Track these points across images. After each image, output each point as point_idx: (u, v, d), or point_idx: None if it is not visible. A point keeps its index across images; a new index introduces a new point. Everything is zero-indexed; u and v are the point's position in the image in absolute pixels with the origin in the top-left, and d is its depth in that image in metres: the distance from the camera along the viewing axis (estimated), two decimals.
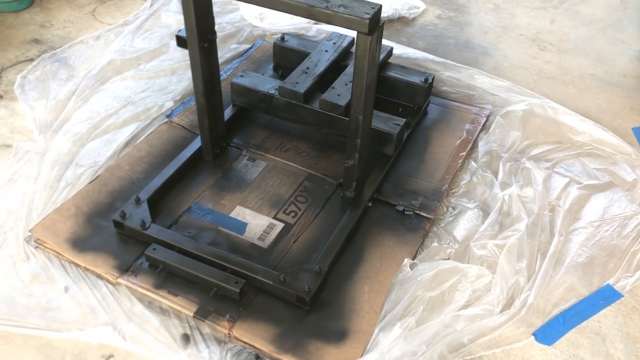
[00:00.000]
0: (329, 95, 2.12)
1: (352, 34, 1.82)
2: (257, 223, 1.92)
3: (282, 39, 2.51)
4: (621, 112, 2.52)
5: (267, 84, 2.22)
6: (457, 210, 2.01)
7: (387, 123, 2.09)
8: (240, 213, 1.95)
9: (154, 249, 1.76)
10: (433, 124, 2.37)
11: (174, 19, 2.85)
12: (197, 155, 2.10)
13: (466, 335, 1.65)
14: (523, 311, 1.70)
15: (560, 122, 2.38)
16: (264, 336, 1.62)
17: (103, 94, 2.41)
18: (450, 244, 1.86)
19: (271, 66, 2.58)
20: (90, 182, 2.02)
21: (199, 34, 1.82)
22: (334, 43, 2.41)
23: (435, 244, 1.86)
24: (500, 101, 2.47)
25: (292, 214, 1.96)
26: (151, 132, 2.23)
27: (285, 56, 2.51)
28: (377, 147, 2.11)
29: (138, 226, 1.82)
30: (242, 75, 2.27)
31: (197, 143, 2.12)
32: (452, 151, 2.23)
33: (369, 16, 1.55)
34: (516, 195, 2.03)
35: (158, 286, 1.72)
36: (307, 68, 2.26)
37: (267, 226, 1.92)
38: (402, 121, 2.11)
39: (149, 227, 1.82)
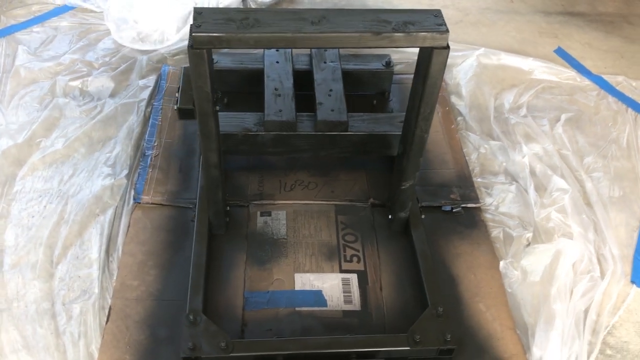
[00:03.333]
0: (324, 114, 1.86)
1: None
2: (329, 285, 1.66)
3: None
4: (535, 39, 2.64)
5: (241, 122, 1.87)
6: (492, 189, 1.95)
7: (392, 123, 1.91)
8: (304, 281, 1.67)
9: None
10: (401, 104, 2.24)
11: (40, 70, 2.23)
12: (209, 234, 1.72)
13: (593, 312, 1.64)
14: (618, 266, 1.75)
15: (506, 66, 2.41)
16: None
17: (23, 198, 1.83)
18: (529, 228, 1.81)
19: None
20: (107, 323, 1.54)
21: (213, 99, 1.44)
22: (277, 50, 2.10)
23: (515, 233, 1.79)
24: None
25: (355, 258, 1.73)
26: (128, 227, 1.76)
27: (223, 79, 2.12)
28: (383, 151, 1.94)
29: (220, 352, 1.45)
30: None
31: (202, 219, 1.72)
32: (441, 128, 2.14)
33: (445, 28, 1.34)
34: (531, 154, 2.03)
35: None
36: (276, 89, 1.94)
37: (343, 284, 1.67)
38: (401, 116, 1.94)
39: (233, 347, 1.46)
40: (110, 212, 1.81)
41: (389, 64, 2.17)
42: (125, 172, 1.91)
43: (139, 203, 1.82)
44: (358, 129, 1.88)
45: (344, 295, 1.64)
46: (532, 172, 1.98)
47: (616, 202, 1.96)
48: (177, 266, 1.68)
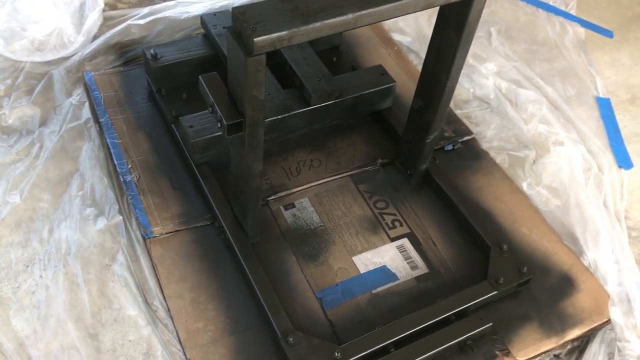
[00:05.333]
0: (314, 86, 1.76)
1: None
2: (390, 258, 1.63)
3: (155, 56, 1.84)
4: None
5: None
6: (475, 117, 2.00)
7: (375, 79, 1.86)
8: (365, 262, 1.61)
9: None
10: (356, 56, 2.16)
11: None
12: (250, 246, 1.57)
13: (609, 203, 1.81)
14: (608, 156, 1.92)
15: None
16: (540, 337, 1.51)
17: (7, 276, 1.50)
18: (530, 146, 1.90)
19: (144, 97, 1.91)
20: None
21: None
22: (215, 26, 1.89)
23: (520, 154, 1.87)
24: None
25: (397, 223, 1.70)
26: (155, 267, 1.54)
27: (172, 74, 1.86)
28: (373, 109, 1.89)
29: None
30: (191, 126, 1.67)
31: (237, 233, 1.56)
32: (401, 70, 2.12)
33: None
34: (492, 74, 2.11)
35: None
36: None
37: (400, 252, 1.64)
38: (380, 69, 1.90)
39: (346, 353, 1.38)
40: (121, 258, 1.56)
41: None
42: (115, 206, 1.64)
43: (152, 237, 1.59)
44: (348, 93, 1.80)
45: (407, 263, 1.62)
46: (500, 91, 2.07)
47: (574, 99, 2.12)
48: (231, 291, 1.52)
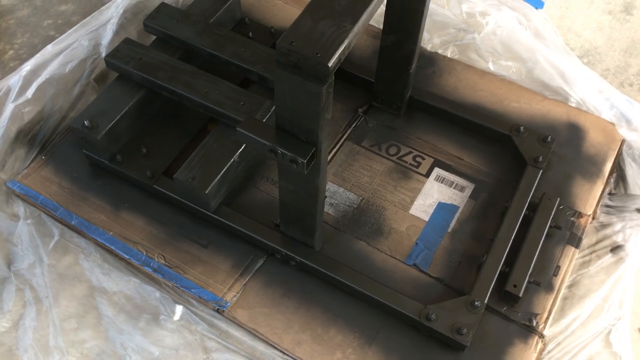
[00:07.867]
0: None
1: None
2: (437, 192, 1.64)
3: (92, 126, 1.55)
4: None
5: (220, 150, 1.52)
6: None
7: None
8: (422, 209, 1.61)
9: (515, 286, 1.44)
10: (261, 19, 2.00)
11: None
12: (324, 257, 1.49)
13: (551, 41, 1.94)
14: (521, 2, 2.03)
15: None
16: (590, 186, 1.64)
17: None
18: (469, 29, 1.93)
19: (91, 175, 1.64)
20: None
21: None
22: (127, 62, 1.63)
23: (463, 40, 1.91)
24: None
25: (418, 158, 1.70)
26: (257, 330, 1.41)
27: (120, 136, 1.60)
28: None
29: (479, 309, 1.40)
30: (193, 178, 1.48)
31: (309, 253, 1.47)
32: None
33: None
34: None
35: None
36: (206, 91, 1.58)
37: (441, 182, 1.65)
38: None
39: (481, 302, 1.41)
40: (212, 345, 1.41)
41: None
42: (166, 299, 1.45)
43: (229, 306, 1.44)
44: None
45: (454, 188, 1.65)
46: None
47: None
48: (336, 307, 1.46)
